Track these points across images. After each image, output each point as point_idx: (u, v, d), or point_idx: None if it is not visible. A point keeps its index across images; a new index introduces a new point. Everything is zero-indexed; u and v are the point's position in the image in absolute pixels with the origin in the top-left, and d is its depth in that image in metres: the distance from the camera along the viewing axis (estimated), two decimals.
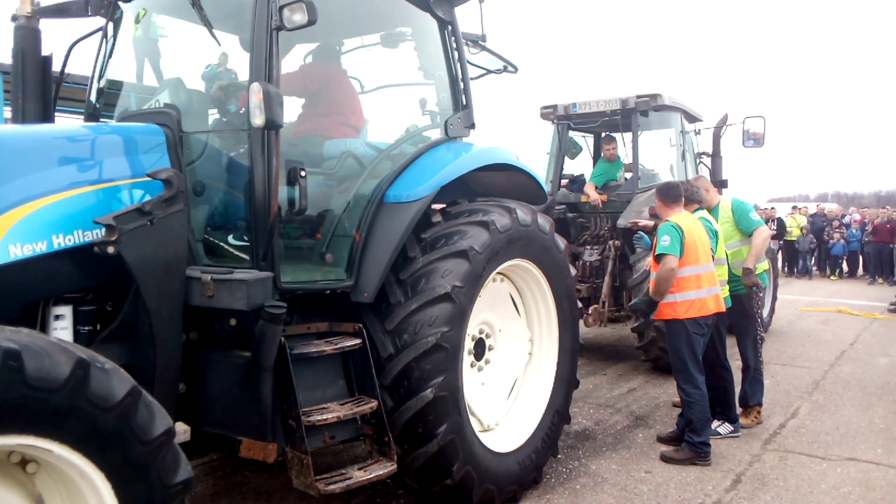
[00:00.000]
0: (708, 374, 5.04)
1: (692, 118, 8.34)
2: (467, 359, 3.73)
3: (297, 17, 2.79)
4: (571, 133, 8.43)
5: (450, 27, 4.09)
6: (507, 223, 3.71)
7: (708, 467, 4.47)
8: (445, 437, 3.34)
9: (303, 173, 3.00)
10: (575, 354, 4.39)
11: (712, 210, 5.40)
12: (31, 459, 2.05)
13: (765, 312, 9.15)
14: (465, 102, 4.12)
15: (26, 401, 1.85)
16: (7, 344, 1.84)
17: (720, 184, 8.27)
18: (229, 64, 3.91)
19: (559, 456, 4.45)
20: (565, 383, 4.27)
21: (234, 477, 4.23)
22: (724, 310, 4.84)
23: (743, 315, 5.30)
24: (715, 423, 5.25)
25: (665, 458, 4.60)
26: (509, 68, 5.10)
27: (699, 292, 4.60)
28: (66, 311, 2.75)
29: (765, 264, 5.46)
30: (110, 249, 2.61)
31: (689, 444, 4.59)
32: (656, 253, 4.60)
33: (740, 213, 5.25)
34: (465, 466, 3.44)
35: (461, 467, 3.42)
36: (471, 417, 3.67)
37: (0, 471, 2.01)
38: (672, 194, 4.90)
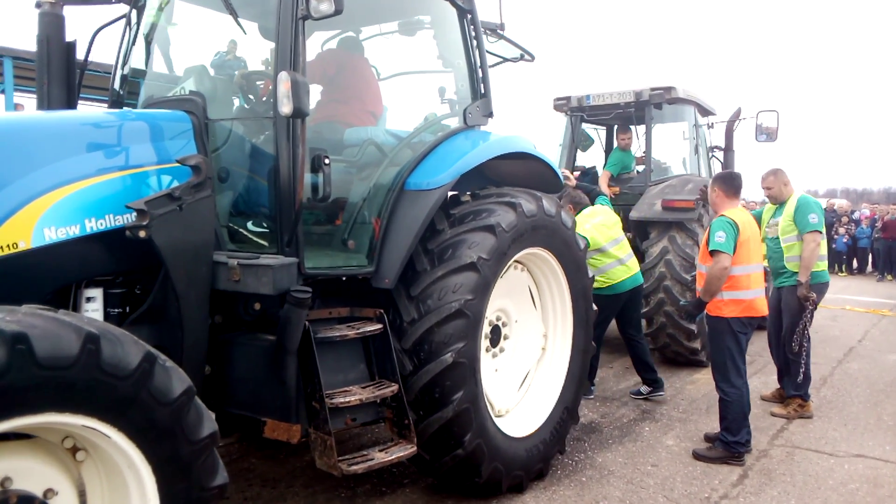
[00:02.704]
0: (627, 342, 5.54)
1: (705, 111, 8.30)
2: (483, 343, 3.75)
3: (324, 6, 2.80)
4: (583, 125, 8.44)
5: (469, 16, 4.11)
6: (533, 209, 3.76)
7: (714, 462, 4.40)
8: (461, 404, 3.36)
9: (326, 161, 3.04)
10: (587, 355, 4.39)
11: (781, 204, 5.32)
12: (82, 447, 2.10)
13: None
14: (483, 91, 4.14)
15: (98, 385, 1.92)
16: (88, 328, 1.93)
17: None
18: (238, 52, 3.94)
19: (566, 450, 4.42)
20: (576, 381, 4.28)
21: (240, 463, 4.24)
22: (766, 314, 4.67)
23: (788, 310, 5.23)
24: (643, 388, 5.73)
25: (697, 456, 4.48)
26: (526, 57, 5.10)
27: (747, 293, 4.40)
28: (97, 293, 2.80)
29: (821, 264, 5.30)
30: (142, 233, 2.65)
31: (722, 443, 4.45)
32: (710, 249, 4.37)
33: (802, 211, 5.15)
34: (477, 439, 3.45)
35: (473, 439, 3.43)
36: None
37: (52, 453, 2.06)
38: (734, 185, 4.59)
